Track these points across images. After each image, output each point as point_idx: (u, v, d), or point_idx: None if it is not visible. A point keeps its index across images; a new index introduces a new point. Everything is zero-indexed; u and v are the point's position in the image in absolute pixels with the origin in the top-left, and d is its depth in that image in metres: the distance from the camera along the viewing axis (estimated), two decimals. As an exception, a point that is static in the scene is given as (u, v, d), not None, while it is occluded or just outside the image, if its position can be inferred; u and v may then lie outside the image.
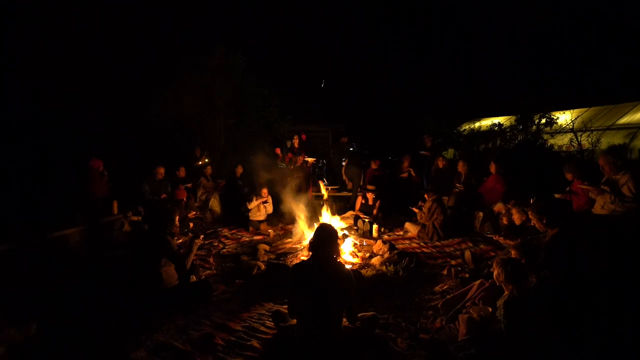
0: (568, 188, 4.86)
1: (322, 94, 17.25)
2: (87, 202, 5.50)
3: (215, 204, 7.20)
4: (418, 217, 5.81)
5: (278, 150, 7.60)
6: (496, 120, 10.10)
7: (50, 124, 8.12)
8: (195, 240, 3.53)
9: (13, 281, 3.44)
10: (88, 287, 3.54)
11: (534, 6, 16.96)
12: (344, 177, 8.39)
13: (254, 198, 6.21)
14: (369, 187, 6.72)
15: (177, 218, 3.56)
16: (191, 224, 4.65)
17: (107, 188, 5.88)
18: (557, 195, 4.84)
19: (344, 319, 2.53)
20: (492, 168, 6.13)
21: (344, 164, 8.83)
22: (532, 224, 3.33)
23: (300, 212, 5.64)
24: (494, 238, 4.65)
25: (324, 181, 8.46)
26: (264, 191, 6.32)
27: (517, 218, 4.18)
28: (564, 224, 3.05)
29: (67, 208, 5.22)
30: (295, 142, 7.61)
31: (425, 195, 5.80)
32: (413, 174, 7.63)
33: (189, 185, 6.87)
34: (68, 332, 2.77)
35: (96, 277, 3.82)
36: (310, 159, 9.18)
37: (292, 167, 7.49)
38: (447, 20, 20.51)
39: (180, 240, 3.59)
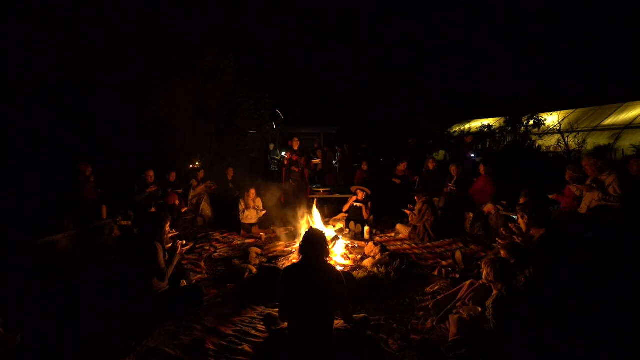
0: (563, 190, 4.88)
1: (313, 98, 17.31)
2: (75, 206, 5.43)
3: (206, 207, 7.15)
4: (409, 219, 5.85)
5: (289, 155, 7.63)
6: (486, 121, 10.26)
7: (39, 126, 7.97)
8: (177, 250, 3.45)
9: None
10: (76, 293, 3.48)
11: (524, 9, 17.30)
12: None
13: (244, 206, 6.22)
14: (359, 189, 6.73)
15: (168, 224, 3.53)
16: (170, 233, 4.52)
17: (94, 193, 5.79)
18: (551, 197, 4.89)
19: (340, 320, 2.54)
20: (482, 169, 6.20)
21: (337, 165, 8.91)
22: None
23: (292, 214, 5.63)
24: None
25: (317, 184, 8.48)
26: (258, 201, 6.35)
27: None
28: (552, 224, 3.10)
29: (56, 213, 5.14)
30: (296, 144, 7.69)
31: (416, 197, 5.84)
32: (411, 177, 7.67)
33: (180, 190, 6.80)
34: (56, 339, 2.71)
35: (85, 282, 3.76)
36: (316, 160, 9.21)
37: (297, 170, 7.47)
38: (438, 22, 20.79)
39: (169, 245, 3.54)
